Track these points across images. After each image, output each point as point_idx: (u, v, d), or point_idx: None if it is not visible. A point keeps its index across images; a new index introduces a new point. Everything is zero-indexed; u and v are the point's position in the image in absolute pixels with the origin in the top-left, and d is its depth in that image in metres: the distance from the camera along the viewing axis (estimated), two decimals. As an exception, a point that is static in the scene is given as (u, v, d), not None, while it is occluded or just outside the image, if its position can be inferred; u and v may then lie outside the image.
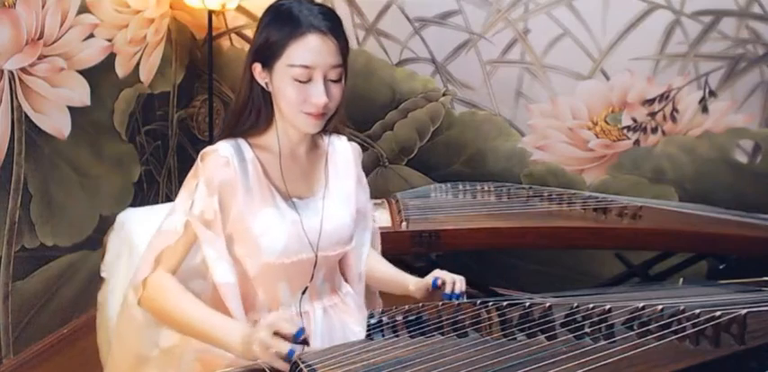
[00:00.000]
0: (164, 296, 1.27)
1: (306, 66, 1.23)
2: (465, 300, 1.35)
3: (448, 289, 1.39)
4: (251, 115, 1.32)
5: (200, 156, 1.31)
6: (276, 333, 1.11)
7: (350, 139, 1.50)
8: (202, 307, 1.25)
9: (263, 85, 1.29)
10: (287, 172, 1.35)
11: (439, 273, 1.43)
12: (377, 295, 1.65)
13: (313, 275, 1.38)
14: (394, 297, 1.53)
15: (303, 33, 1.22)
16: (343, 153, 1.46)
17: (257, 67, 1.28)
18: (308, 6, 1.26)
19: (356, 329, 1.42)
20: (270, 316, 1.17)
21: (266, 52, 1.26)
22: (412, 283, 1.46)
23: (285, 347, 1.09)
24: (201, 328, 1.23)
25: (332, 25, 1.25)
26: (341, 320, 1.44)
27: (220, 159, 1.29)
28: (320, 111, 1.26)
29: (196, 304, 1.26)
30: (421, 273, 1.67)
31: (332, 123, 1.36)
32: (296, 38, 1.23)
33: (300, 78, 1.24)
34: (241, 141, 1.33)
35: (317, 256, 1.37)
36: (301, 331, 1.11)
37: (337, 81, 1.27)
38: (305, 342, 1.11)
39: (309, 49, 1.23)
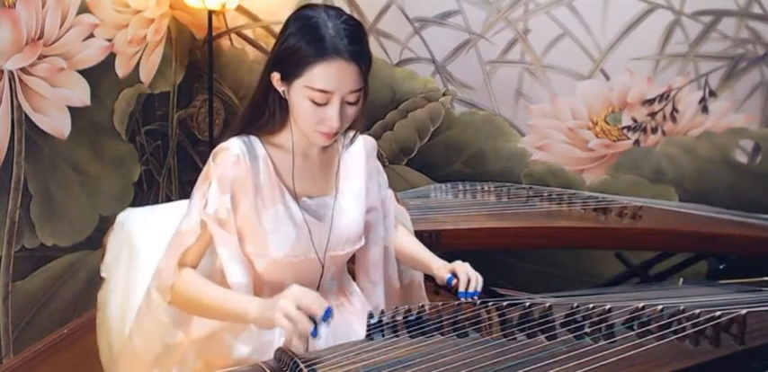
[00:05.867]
0: (188, 290, 1.30)
1: (324, 91, 1.22)
2: (478, 300, 1.33)
3: (462, 288, 1.35)
4: (266, 117, 1.32)
5: (212, 155, 1.31)
6: (300, 309, 1.11)
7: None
8: (222, 289, 1.29)
9: (281, 93, 1.29)
10: (299, 171, 1.36)
11: (459, 268, 1.38)
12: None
13: (320, 284, 1.39)
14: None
15: (326, 59, 1.20)
16: (355, 151, 1.45)
17: (276, 76, 1.27)
18: (336, 23, 1.22)
19: (360, 330, 1.42)
20: (295, 288, 1.16)
21: (287, 66, 1.24)
22: (435, 267, 1.43)
23: (309, 325, 1.09)
24: (222, 306, 1.26)
25: (357, 49, 1.22)
26: (346, 320, 1.43)
27: (231, 157, 1.29)
28: (332, 132, 1.26)
29: (216, 288, 1.29)
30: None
31: (350, 131, 1.39)
32: (319, 61, 1.20)
33: (318, 101, 1.22)
34: (254, 138, 1.33)
35: (323, 265, 1.37)
36: (328, 312, 1.11)
37: (354, 103, 1.26)
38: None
39: (330, 75, 1.20)
